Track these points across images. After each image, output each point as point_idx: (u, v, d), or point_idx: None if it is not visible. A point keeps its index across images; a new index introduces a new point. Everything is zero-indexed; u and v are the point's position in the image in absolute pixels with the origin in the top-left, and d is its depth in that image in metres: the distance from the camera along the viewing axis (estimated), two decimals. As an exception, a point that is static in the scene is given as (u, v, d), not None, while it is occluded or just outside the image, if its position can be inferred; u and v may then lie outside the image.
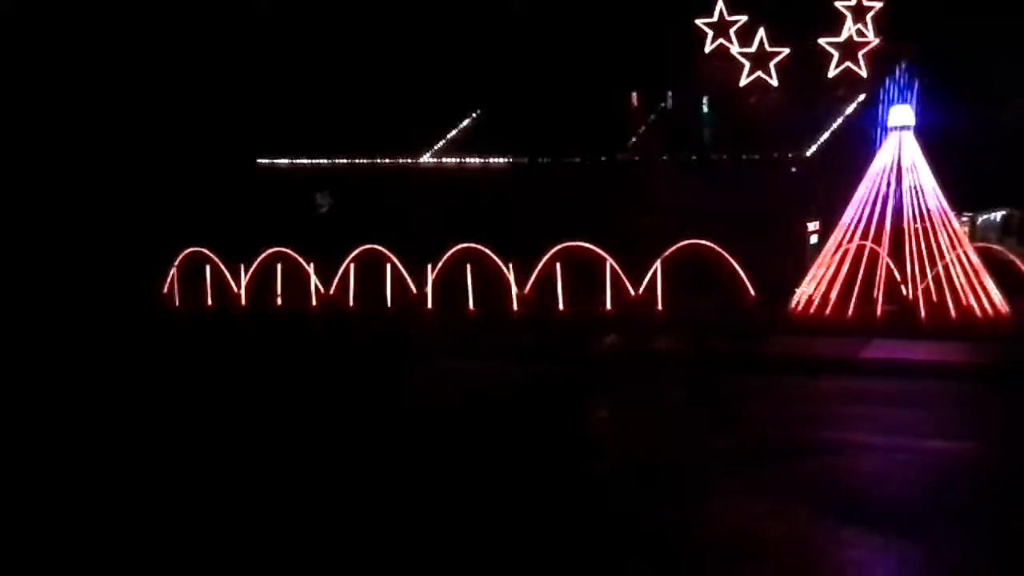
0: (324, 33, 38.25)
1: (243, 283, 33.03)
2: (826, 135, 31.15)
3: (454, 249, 30.56)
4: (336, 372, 23.27)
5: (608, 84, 34.13)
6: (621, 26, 34.10)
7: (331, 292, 32.12)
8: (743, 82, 32.51)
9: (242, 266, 32.96)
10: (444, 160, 35.96)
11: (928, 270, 27.09)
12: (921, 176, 28.41)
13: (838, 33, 31.57)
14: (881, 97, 30.72)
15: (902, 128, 28.63)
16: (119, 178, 37.47)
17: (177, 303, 33.22)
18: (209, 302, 32.75)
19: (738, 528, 11.50)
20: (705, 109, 34.38)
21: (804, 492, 12.85)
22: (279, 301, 32.43)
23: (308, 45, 37.84)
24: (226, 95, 37.71)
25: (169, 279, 33.55)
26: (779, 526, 11.58)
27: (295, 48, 37.84)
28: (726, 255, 28.22)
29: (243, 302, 32.71)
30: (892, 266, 27.02)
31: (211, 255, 33.07)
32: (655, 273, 28.76)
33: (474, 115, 36.75)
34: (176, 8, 38.47)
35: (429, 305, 30.85)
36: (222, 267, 32.99)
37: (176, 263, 33.51)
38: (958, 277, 27.02)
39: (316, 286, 32.31)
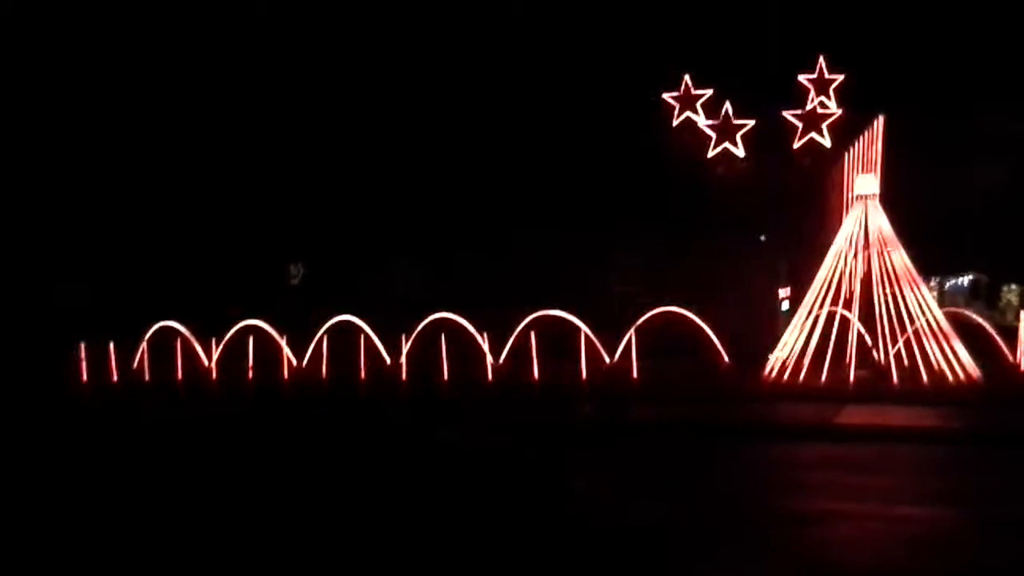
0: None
1: (214, 357, 32.76)
2: (794, 204, 31.68)
3: (428, 319, 30.57)
4: (306, 448, 22.86)
5: (577, 158, 34.69)
6: (589, 101, 34.79)
7: (303, 365, 31.91)
8: (710, 154, 33.13)
9: (214, 340, 32.76)
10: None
11: (899, 335, 27.33)
12: (888, 243, 28.88)
13: (802, 105, 32.36)
14: (846, 166, 31.35)
15: (868, 196, 29.19)
16: (89, 238, 37.24)
17: (147, 378, 32.83)
18: (179, 376, 32.40)
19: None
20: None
21: (778, 562, 12.65)
22: (251, 375, 32.15)
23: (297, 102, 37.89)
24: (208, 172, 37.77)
25: (139, 353, 33.21)
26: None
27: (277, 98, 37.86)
28: (700, 322, 28.41)
29: (213, 376, 32.39)
30: (863, 331, 27.25)
31: (182, 329, 32.85)
32: (629, 340, 28.85)
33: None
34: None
35: (403, 376, 30.68)
36: (193, 341, 32.73)
37: (147, 337, 33.24)
38: (929, 342, 27.28)
39: (288, 359, 32.08)
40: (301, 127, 37.25)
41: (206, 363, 32.71)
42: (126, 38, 37.20)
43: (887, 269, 28.46)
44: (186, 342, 32.68)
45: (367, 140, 37.05)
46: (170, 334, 32.94)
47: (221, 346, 32.61)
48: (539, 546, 13.66)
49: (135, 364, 33.14)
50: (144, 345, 33.17)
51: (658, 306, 28.96)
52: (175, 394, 30.93)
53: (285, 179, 36.80)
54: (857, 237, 28.99)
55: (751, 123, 32.87)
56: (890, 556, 12.85)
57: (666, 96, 33.68)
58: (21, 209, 37.01)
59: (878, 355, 27.25)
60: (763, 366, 28.26)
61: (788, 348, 28.25)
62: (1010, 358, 28.07)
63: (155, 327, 32.93)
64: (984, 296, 35.63)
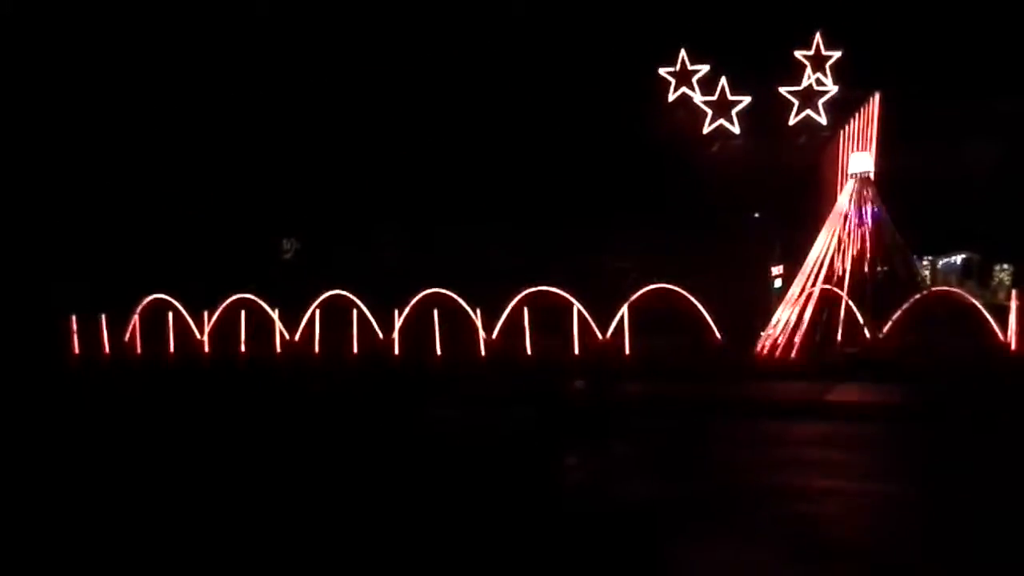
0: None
1: (207, 330, 32.69)
2: (788, 182, 31.62)
3: (421, 294, 30.50)
4: (301, 422, 22.87)
5: (574, 135, 34.51)
6: (584, 76, 34.55)
7: (296, 339, 31.86)
8: (706, 130, 32.99)
9: (206, 313, 32.66)
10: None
11: (891, 313, 27.44)
12: (881, 221, 28.91)
13: (798, 82, 32.21)
14: (841, 143, 31.30)
15: (862, 174, 29.17)
16: (87, 215, 36.99)
17: (138, 351, 32.75)
18: (171, 350, 32.33)
19: (702, 576, 11.36)
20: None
21: (769, 538, 12.74)
22: (243, 348, 32.09)
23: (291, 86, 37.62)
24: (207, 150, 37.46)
25: (130, 327, 33.10)
26: (744, 573, 11.46)
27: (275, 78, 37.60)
28: (692, 299, 28.42)
29: (206, 350, 32.33)
30: (855, 309, 27.34)
31: (174, 302, 32.73)
32: (622, 317, 28.85)
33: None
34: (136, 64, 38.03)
35: (396, 351, 30.67)
36: (185, 314, 32.63)
37: (138, 310, 33.11)
38: (917, 320, 27.38)
39: (281, 333, 32.02)
40: (294, 104, 36.98)
41: (198, 336, 32.63)
42: (123, 22, 36.86)
43: (879, 247, 28.53)
44: (178, 315, 32.58)
45: (361, 118, 36.80)
46: (162, 307, 32.83)
47: (213, 320, 32.52)
48: (530, 522, 13.72)
49: (127, 337, 33.04)
50: (135, 318, 33.05)
51: (648, 283, 28.94)
52: (165, 367, 30.90)
53: (278, 155, 36.55)
54: (850, 215, 29.03)
55: (747, 99, 32.74)
56: (878, 532, 12.96)
57: (662, 71, 33.50)
58: (18, 182, 36.75)
59: (869, 333, 27.35)
60: (755, 343, 28.35)
61: (780, 325, 28.34)
62: (1000, 336, 28.18)
63: (147, 300, 32.80)
64: (976, 275, 35.73)
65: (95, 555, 12.38)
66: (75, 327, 32.89)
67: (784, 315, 28.49)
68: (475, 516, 14.03)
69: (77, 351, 32.83)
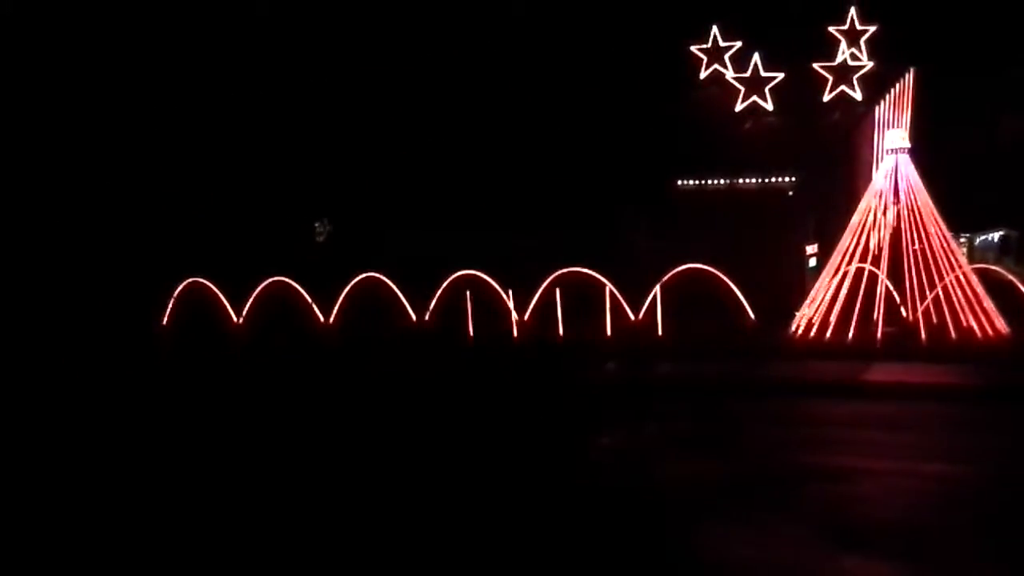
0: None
1: (243, 313, 33.08)
2: (822, 159, 31.27)
3: (453, 276, 30.62)
4: (339, 404, 23.17)
5: (606, 114, 34.33)
6: (620, 56, 34.30)
7: (331, 321, 32.15)
8: (739, 107, 32.67)
9: (242, 296, 33.02)
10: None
11: (927, 292, 27.10)
12: (918, 198, 28.51)
13: (832, 57, 31.77)
14: (877, 120, 30.86)
15: (898, 150, 28.77)
16: (119, 200, 37.51)
17: (175, 334, 33.23)
18: (208, 334, 32.75)
19: (738, 556, 11.42)
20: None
21: (805, 518, 12.77)
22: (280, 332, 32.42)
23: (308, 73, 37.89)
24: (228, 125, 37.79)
25: (168, 310, 33.58)
26: (780, 553, 11.50)
27: (293, 67, 37.81)
28: (725, 279, 28.25)
29: (243, 333, 32.72)
30: (891, 288, 27.03)
31: (211, 285, 33.13)
32: (655, 298, 28.77)
33: None
34: (165, 42, 38.33)
35: (430, 332, 30.85)
36: (222, 297, 33.03)
37: (175, 294, 33.55)
38: (957, 298, 27.03)
39: (316, 314, 32.33)
40: (329, 87, 37.15)
41: (234, 319, 33.04)
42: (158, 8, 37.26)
43: (916, 225, 28.15)
44: (215, 298, 32.99)
45: (394, 104, 36.87)
46: (199, 290, 33.27)
47: (249, 302, 32.89)
48: (563, 502, 13.84)
49: (164, 319, 33.54)
50: (172, 301, 33.52)
51: (684, 263, 28.77)
52: (202, 348, 31.30)
53: (313, 139, 36.75)
54: (887, 192, 28.66)
55: (780, 76, 32.34)
56: (917, 512, 12.94)
57: (694, 48, 33.18)
58: (58, 171, 37.35)
59: (906, 312, 27.06)
60: (790, 323, 28.15)
61: (815, 305, 28.10)
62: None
63: (184, 283, 33.24)
64: (1015, 252, 35.12)
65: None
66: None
67: (819, 294, 28.24)
68: (510, 493, 14.19)
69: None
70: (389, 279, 31.45)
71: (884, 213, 28.49)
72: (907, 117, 29.52)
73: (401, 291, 31.34)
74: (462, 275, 30.46)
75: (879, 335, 26.46)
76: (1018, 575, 10.74)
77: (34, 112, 37.18)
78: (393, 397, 23.37)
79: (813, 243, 32.12)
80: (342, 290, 31.82)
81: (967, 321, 26.72)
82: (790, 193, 31.83)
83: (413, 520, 13.13)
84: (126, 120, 37.64)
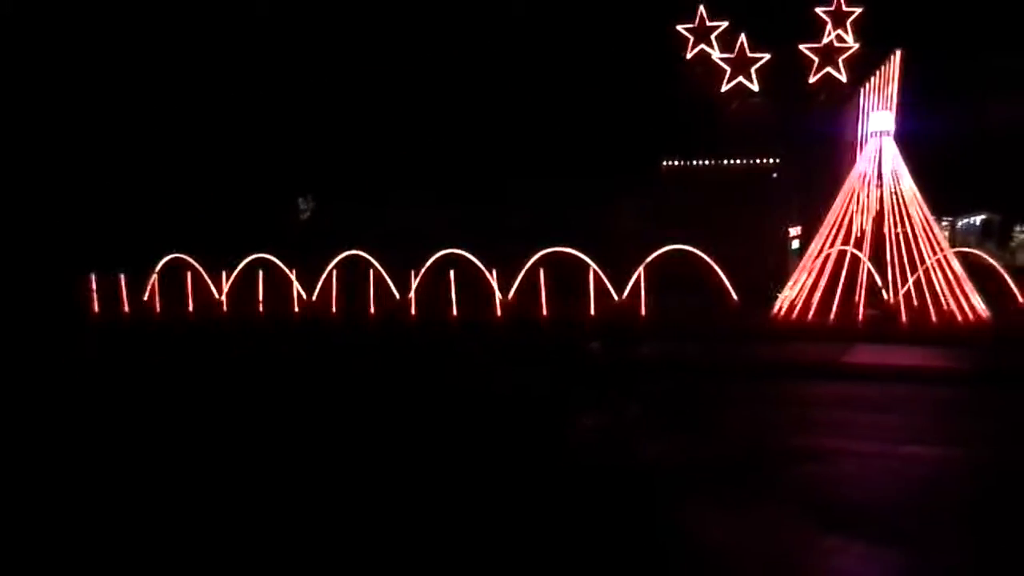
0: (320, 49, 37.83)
1: (224, 289, 32.86)
2: (807, 141, 31.31)
3: (438, 255, 30.51)
4: (321, 381, 23.06)
5: (593, 96, 34.18)
6: (605, 34, 34.13)
7: (313, 298, 31.99)
8: (724, 88, 32.62)
9: (224, 272, 32.80)
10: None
11: (909, 275, 27.27)
12: (901, 181, 28.61)
13: (819, 39, 31.74)
14: (861, 102, 30.91)
15: (882, 133, 28.83)
16: (103, 182, 37.13)
17: (158, 310, 33.00)
18: (190, 309, 32.54)
19: (721, 537, 11.48)
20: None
21: (787, 498, 12.84)
22: (260, 307, 32.26)
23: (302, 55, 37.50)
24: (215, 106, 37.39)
25: (149, 286, 33.31)
26: (762, 532, 11.57)
27: (288, 52, 37.49)
28: (708, 260, 28.30)
29: (224, 309, 32.53)
30: (873, 271, 27.17)
31: (192, 261, 32.86)
32: (639, 278, 28.78)
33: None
34: (163, 32, 37.93)
35: (412, 311, 30.78)
36: (203, 273, 32.79)
37: (157, 269, 33.28)
38: (939, 282, 27.23)
39: (298, 292, 32.16)
40: (311, 62, 36.78)
41: (216, 295, 32.83)
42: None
43: (899, 208, 28.26)
44: (196, 274, 32.74)
45: (378, 78, 36.58)
46: (180, 266, 33.00)
47: (231, 279, 32.67)
48: (544, 483, 13.85)
49: (145, 296, 33.27)
50: (154, 277, 33.24)
51: (667, 243, 28.78)
52: (184, 325, 31.12)
53: (295, 114, 36.44)
54: (870, 175, 28.73)
55: (766, 56, 32.31)
56: (898, 492, 13.03)
57: (680, 28, 33.05)
58: (37, 146, 36.88)
59: (888, 295, 27.23)
60: (772, 305, 28.27)
61: (798, 287, 28.22)
62: (1020, 299, 27.97)
63: (165, 259, 32.96)
64: (996, 236, 35.42)
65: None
66: (94, 285, 33.13)
67: (802, 276, 28.35)
68: (493, 474, 14.19)
69: (96, 309, 33.09)
70: (373, 256, 31.29)
71: (867, 196, 28.58)
72: (892, 99, 29.55)
73: (384, 269, 31.21)
74: (446, 254, 30.36)
75: (861, 317, 26.64)
76: (998, 555, 10.85)
77: (22, 95, 36.77)
78: (373, 380, 23.26)
79: (796, 225, 32.23)
80: (325, 267, 31.65)
81: (948, 304, 26.93)
82: (774, 175, 31.89)
83: (395, 501, 13.09)
84: (112, 99, 37.23)
